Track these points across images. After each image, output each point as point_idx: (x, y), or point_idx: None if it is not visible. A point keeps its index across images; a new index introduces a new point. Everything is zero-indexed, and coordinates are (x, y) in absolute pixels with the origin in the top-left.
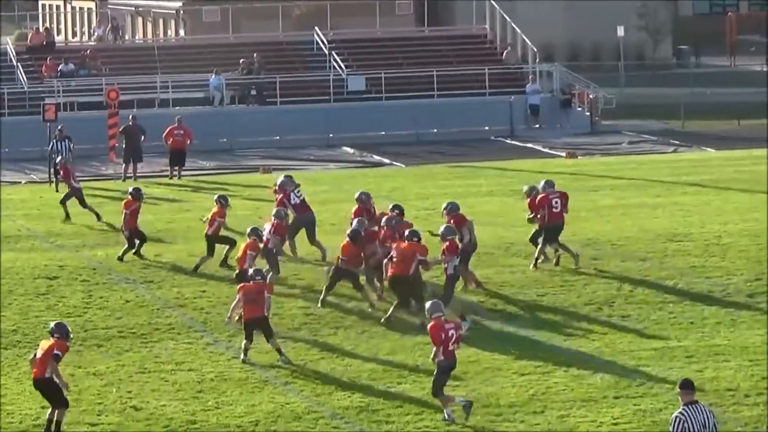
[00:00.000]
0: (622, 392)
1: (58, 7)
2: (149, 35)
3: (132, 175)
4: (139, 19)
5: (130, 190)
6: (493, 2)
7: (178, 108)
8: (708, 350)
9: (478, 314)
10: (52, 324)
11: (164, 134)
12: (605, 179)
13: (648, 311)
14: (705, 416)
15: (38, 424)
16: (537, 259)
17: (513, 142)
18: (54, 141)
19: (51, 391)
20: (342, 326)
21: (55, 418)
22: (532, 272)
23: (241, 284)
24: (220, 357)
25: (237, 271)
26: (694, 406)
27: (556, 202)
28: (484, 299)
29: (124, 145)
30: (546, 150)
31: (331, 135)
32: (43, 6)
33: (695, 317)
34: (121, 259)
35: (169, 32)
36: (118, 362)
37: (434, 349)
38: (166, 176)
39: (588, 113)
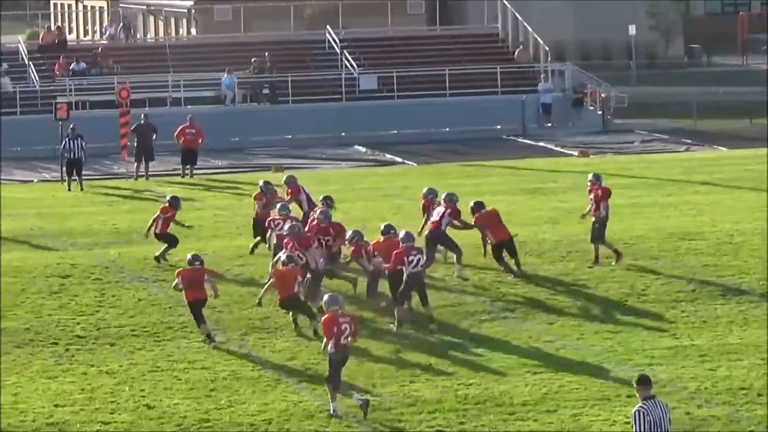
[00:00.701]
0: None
1: (69, 5)
2: (161, 34)
3: (144, 173)
4: (151, 18)
5: (169, 198)
6: (505, 1)
7: (189, 107)
8: (721, 349)
9: (490, 313)
10: None
11: (176, 133)
12: (617, 178)
13: (661, 310)
14: (661, 410)
15: (51, 423)
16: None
17: (525, 141)
18: (66, 139)
19: None
20: None
21: None
22: (544, 272)
23: (180, 269)
24: (232, 355)
25: (279, 299)
26: (651, 400)
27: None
28: (496, 298)
29: (135, 144)
30: (558, 149)
31: (343, 134)
32: (55, 5)
33: (708, 316)
34: (160, 258)
35: (180, 31)
36: (131, 361)
37: (325, 340)
38: (178, 175)
39: (600, 112)
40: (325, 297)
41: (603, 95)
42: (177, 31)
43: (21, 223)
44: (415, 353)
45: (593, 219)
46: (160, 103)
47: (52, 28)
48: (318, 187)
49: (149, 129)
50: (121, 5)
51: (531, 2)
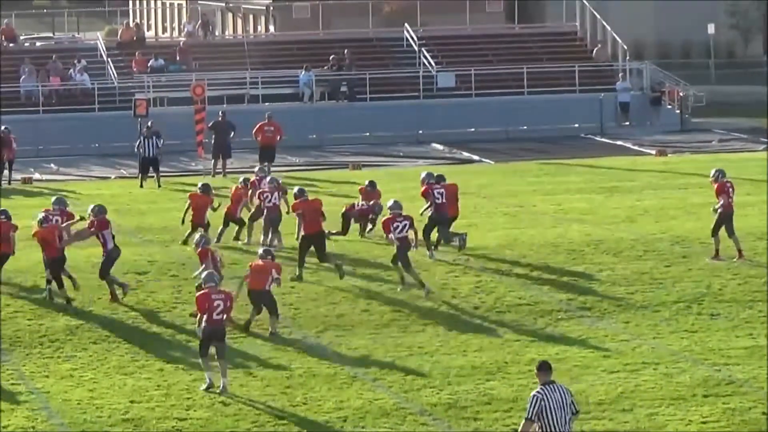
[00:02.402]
0: (711, 391)
1: (148, 2)
2: (239, 31)
3: (221, 170)
4: (229, 15)
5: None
6: (584, 0)
7: (267, 104)
8: None
9: (566, 312)
10: None
11: (254, 130)
12: (695, 177)
13: (737, 309)
14: (561, 394)
15: (127, 418)
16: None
17: (603, 140)
18: (141, 138)
19: None
20: (431, 323)
21: None
22: (621, 270)
23: (36, 230)
24: (308, 353)
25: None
26: (550, 385)
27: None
28: (573, 297)
29: (213, 141)
30: (636, 147)
31: (420, 131)
32: (134, 2)
33: None
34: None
35: (259, 28)
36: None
37: (198, 316)
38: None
39: (678, 111)
40: (203, 274)
41: (681, 94)
42: (255, 29)
43: None
44: (491, 351)
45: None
46: (238, 100)
47: (131, 24)
48: (395, 185)
49: (227, 126)
50: (199, 2)
51: (610, 1)
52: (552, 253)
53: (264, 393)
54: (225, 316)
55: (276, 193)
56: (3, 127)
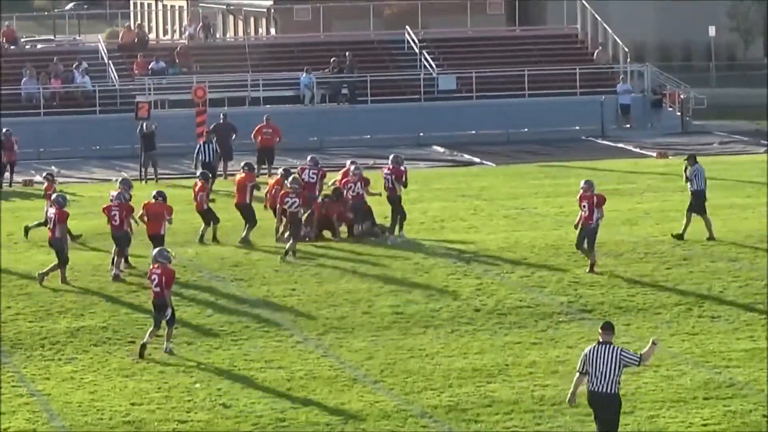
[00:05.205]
0: (712, 393)
1: (149, 5)
2: (240, 33)
3: (222, 173)
4: (230, 18)
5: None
6: (585, 2)
7: (268, 106)
8: None
9: (567, 314)
10: None
11: (253, 132)
12: None
13: (738, 312)
14: (608, 354)
15: (128, 421)
16: None
17: (604, 142)
18: (201, 142)
19: None
20: (432, 325)
21: None
22: (622, 273)
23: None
24: (309, 355)
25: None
26: (604, 345)
27: None
28: (573, 299)
29: None
30: (637, 150)
31: (421, 134)
32: (135, 4)
33: None
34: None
35: (260, 30)
36: (208, 359)
37: None
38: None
39: (679, 113)
40: (155, 251)
41: (682, 96)
42: (256, 31)
43: (100, 222)
44: (492, 353)
45: (581, 226)
46: (239, 102)
47: (132, 27)
48: None
49: (228, 128)
50: (200, 5)
51: (611, 3)
52: (553, 256)
53: (265, 395)
54: (166, 291)
55: (359, 183)
56: (4, 130)
